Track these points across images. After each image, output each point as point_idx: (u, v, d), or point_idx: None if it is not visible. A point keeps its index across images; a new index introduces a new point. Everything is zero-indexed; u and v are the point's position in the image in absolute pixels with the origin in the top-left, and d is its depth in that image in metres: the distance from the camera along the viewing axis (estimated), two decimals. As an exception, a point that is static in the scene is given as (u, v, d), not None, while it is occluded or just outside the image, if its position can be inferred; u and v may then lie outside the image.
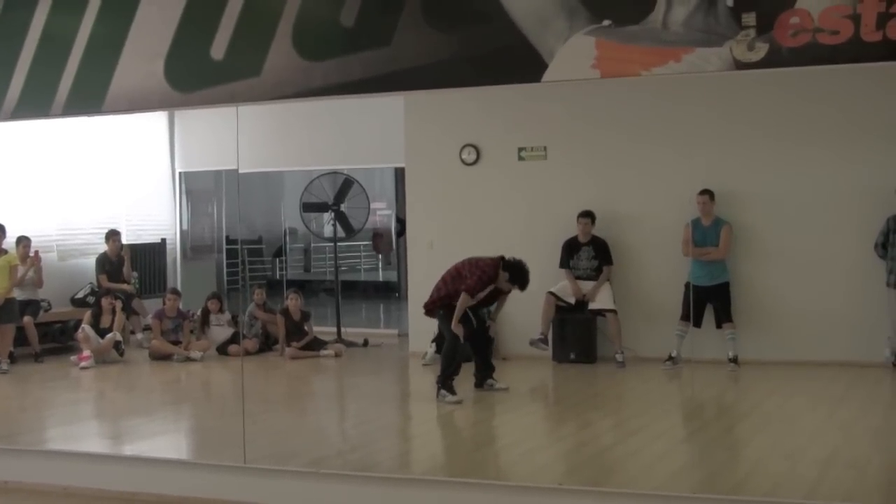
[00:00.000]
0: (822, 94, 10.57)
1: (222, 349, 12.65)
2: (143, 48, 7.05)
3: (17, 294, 12.01)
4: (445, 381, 9.43)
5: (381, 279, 20.99)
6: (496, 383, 9.99)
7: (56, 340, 12.85)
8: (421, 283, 12.29)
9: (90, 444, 8.36)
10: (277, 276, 19.18)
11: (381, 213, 19.30)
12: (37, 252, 12.30)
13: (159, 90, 7.04)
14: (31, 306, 12.31)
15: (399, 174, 15.14)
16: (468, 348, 9.85)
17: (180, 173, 15.51)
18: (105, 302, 12.45)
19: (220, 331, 12.83)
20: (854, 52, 5.36)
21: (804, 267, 10.95)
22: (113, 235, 13.59)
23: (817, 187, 10.93)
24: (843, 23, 5.35)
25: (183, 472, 7.09)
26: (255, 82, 6.75)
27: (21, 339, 12.08)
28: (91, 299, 13.22)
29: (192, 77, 6.99)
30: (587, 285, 11.53)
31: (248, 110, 7.45)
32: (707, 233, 11.03)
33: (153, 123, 14.99)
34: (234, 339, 12.61)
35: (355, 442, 8.46)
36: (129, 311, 13.10)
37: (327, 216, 13.95)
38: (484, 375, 10.01)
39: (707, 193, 11.01)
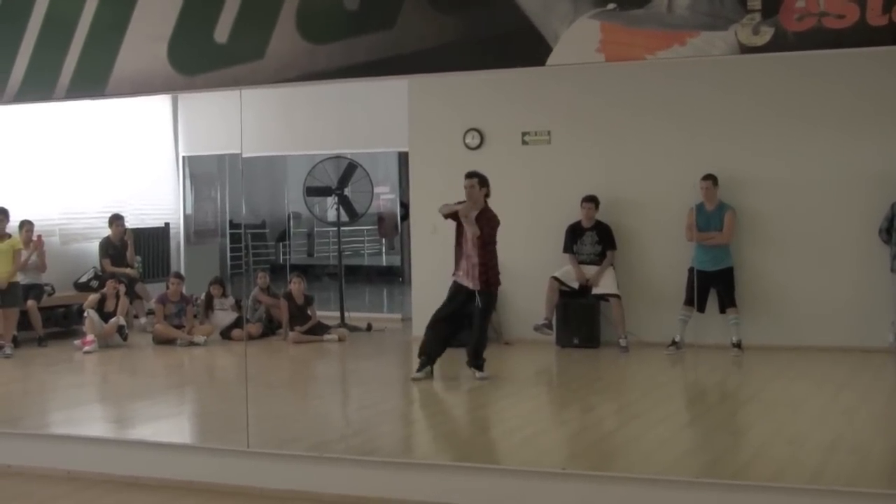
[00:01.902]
0: (827, 79, 10.53)
1: (226, 333, 12.65)
2: (147, 31, 7.03)
3: (21, 278, 12.02)
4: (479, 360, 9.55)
5: (384, 264, 20.97)
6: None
7: (59, 324, 12.85)
8: (424, 268, 12.32)
9: (93, 429, 8.37)
10: (281, 261, 19.17)
11: (385, 197, 19.26)
12: (39, 236, 12.30)
13: (163, 73, 7.02)
14: (35, 290, 12.32)
15: (403, 158, 15.12)
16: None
17: (184, 157, 15.47)
18: (109, 286, 12.45)
19: (224, 315, 12.84)
20: (860, 36, 5.34)
21: (808, 252, 10.93)
22: (116, 220, 13.59)
23: (822, 172, 10.89)
24: (849, 7, 5.32)
25: (186, 457, 7.09)
26: (258, 65, 6.73)
27: (25, 323, 12.09)
28: (94, 283, 13.22)
29: (195, 60, 6.97)
30: (591, 270, 11.51)
31: (252, 94, 7.41)
32: (711, 218, 11.01)
33: (157, 107, 14.97)
34: (237, 323, 12.62)
35: (358, 426, 8.47)
36: (132, 295, 13.09)
37: (331, 200, 13.94)
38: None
39: (710, 178, 10.98)
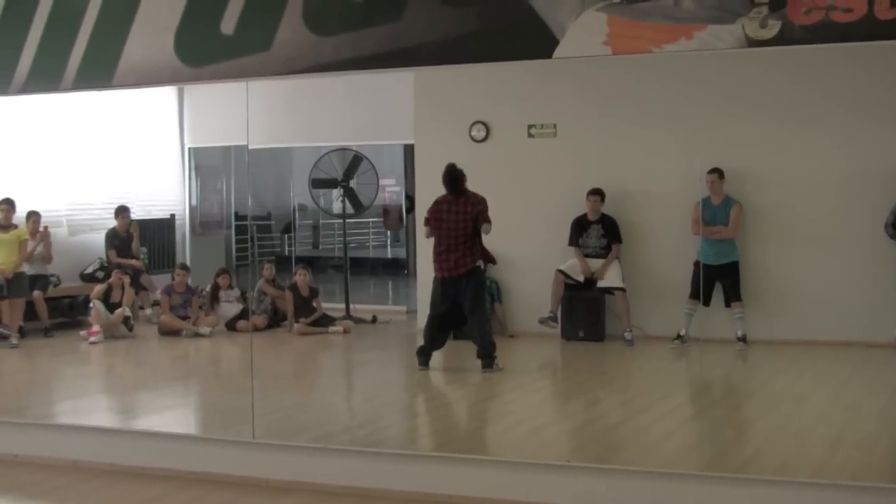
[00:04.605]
0: (835, 73, 10.51)
1: (231, 325, 12.66)
2: (153, 22, 7.03)
3: (27, 269, 12.06)
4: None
5: (389, 256, 20.98)
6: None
7: (65, 315, 12.87)
8: (429, 260, 12.26)
9: (99, 419, 8.39)
10: (286, 253, 19.17)
11: (391, 189, 19.26)
12: (46, 227, 12.33)
13: (169, 65, 7.02)
14: (41, 281, 12.33)
15: (408, 151, 15.10)
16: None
17: (190, 149, 15.48)
18: (115, 277, 12.47)
19: (229, 306, 12.85)
20: (867, 30, 5.33)
21: (814, 246, 10.93)
22: (122, 211, 13.60)
23: (828, 167, 10.88)
24: (857, 0, 5.31)
25: (192, 447, 7.10)
26: (265, 57, 6.73)
27: (31, 313, 12.11)
28: (100, 274, 13.24)
29: (201, 52, 6.97)
30: (596, 263, 11.51)
31: (258, 85, 7.41)
32: (717, 212, 11.00)
33: (163, 99, 14.98)
34: (242, 314, 12.63)
35: (363, 418, 8.48)
36: (137, 286, 13.11)
37: (336, 192, 13.94)
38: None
39: (716, 172, 10.97)
